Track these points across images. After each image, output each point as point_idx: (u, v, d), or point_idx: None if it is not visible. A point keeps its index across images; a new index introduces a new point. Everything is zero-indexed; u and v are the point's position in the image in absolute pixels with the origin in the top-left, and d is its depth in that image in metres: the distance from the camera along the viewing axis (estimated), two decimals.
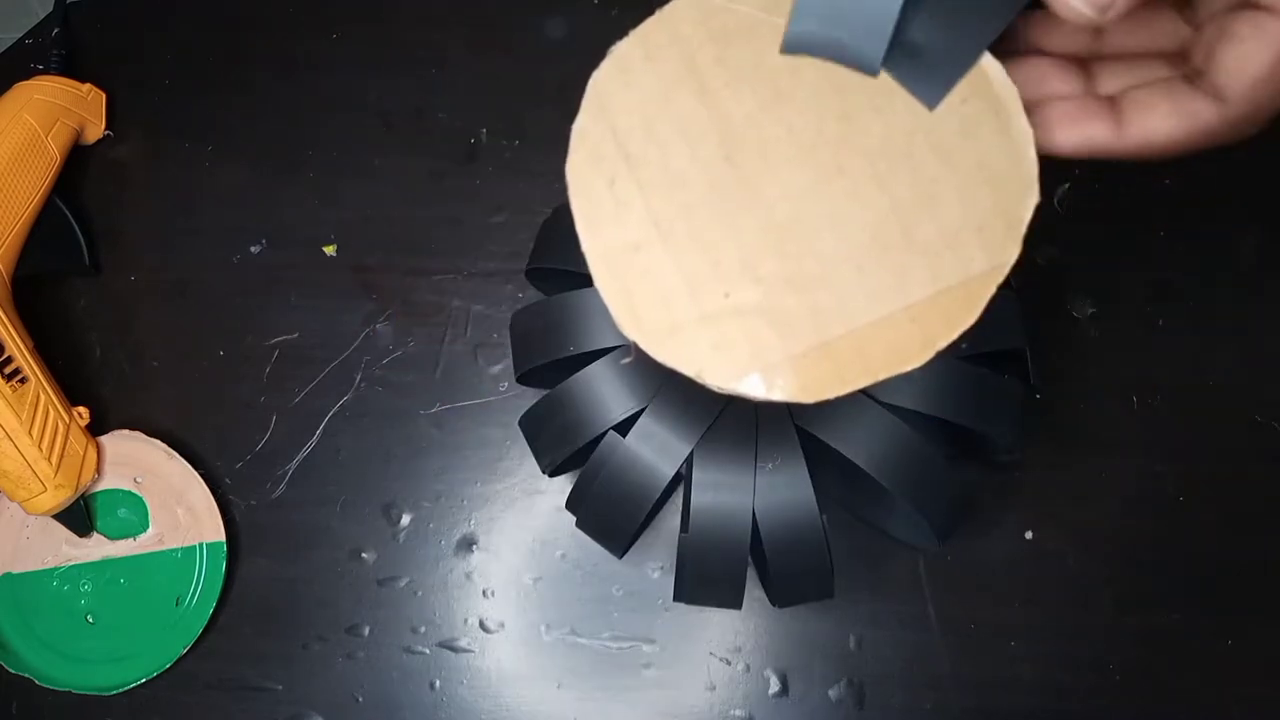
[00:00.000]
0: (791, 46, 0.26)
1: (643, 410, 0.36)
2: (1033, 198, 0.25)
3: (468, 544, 0.45)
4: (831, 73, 0.26)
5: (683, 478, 0.39)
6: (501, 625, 0.45)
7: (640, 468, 0.36)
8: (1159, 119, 0.25)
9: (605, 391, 0.37)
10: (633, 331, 0.26)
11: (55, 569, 0.44)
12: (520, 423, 0.40)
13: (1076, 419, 0.45)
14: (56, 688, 0.43)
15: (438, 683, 0.44)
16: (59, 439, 0.41)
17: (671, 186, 0.26)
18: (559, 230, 0.40)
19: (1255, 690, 0.43)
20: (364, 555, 0.45)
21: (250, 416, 0.46)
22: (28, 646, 0.44)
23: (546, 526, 0.45)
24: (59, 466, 0.41)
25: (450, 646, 0.45)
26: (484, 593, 0.45)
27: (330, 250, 0.47)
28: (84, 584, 0.44)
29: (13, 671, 0.43)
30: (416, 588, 0.45)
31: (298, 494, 0.46)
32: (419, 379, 0.46)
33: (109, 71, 0.49)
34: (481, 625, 0.45)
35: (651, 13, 0.26)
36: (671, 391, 0.36)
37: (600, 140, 0.27)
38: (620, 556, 0.40)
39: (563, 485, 0.45)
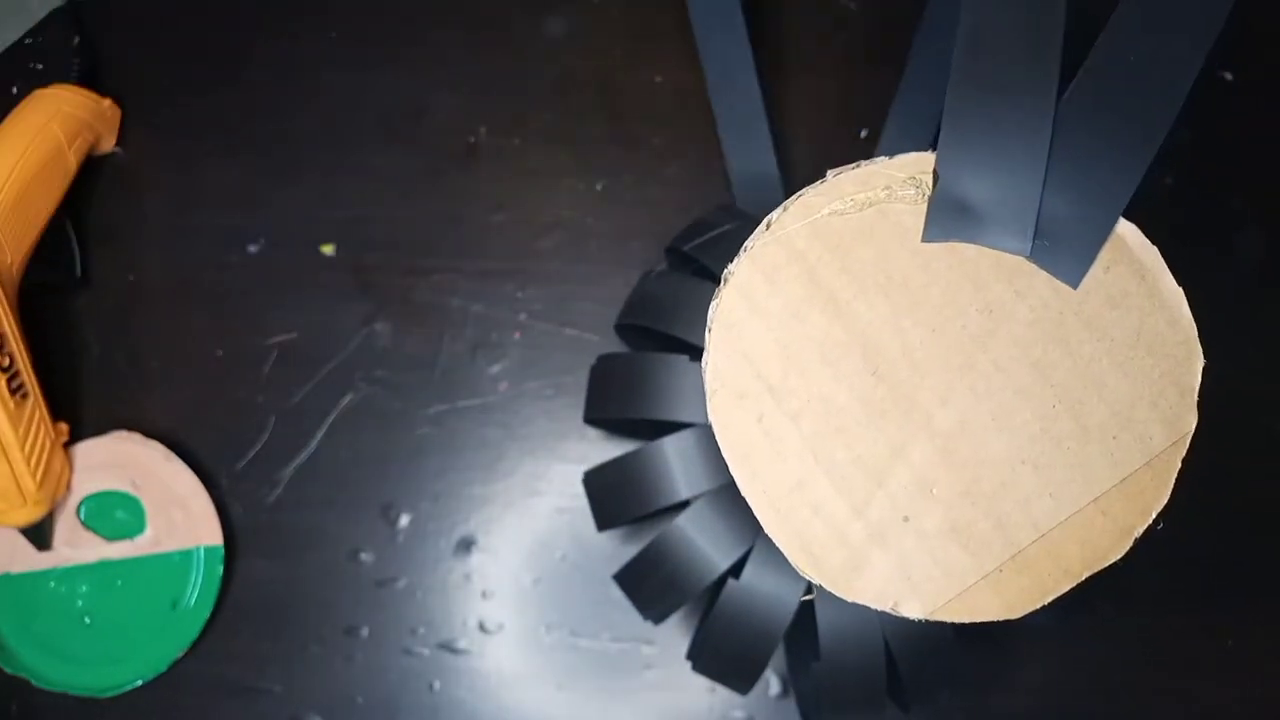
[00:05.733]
0: (932, 239, 0.25)
1: (750, 549, 0.35)
2: (1198, 360, 0.25)
3: (467, 545, 0.45)
4: (962, 264, 0.25)
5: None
6: (501, 626, 0.44)
7: (762, 608, 0.35)
8: None
9: (707, 539, 0.35)
10: (813, 575, 0.25)
11: (52, 570, 0.44)
12: (617, 577, 0.39)
13: None
14: (53, 689, 0.43)
15: (437, 684, 0.44)
16: (45, 455, 0.41)
17: (822, 412, 0.25)
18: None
19: (1255, 690, 0.43)
20: (362, 556, 0.45)
21: (248, 417, 0.46)
22: (25, 647, 0.44)
23: (546, 527, 0.45)
24: (41, 483, 0.41)
25: (449, 648, 0.44)
26: (483, 594, 0.45)
27: (328, 250, 0.47)
28: (81, 585, 0.44)
29: (9, 672, 0.43)
30: (415, 589, 0.45)
31: (296, 495, 0.45)
32: (418, 379, 0.46)
33: (106, 71, 0.48)
34: (481, 626, 0.44)
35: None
36: None
37: (738, 376, 0.25)
38: (745, 693, 0.40)
39: (562, 485, 0.45)
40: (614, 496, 0.38)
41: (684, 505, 0.36)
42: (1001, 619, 0.25)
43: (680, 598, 0.36)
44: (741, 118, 0.46)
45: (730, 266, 0.26)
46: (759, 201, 0.45)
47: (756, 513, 0.25)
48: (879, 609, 0.25)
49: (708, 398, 0.25)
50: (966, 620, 0.25)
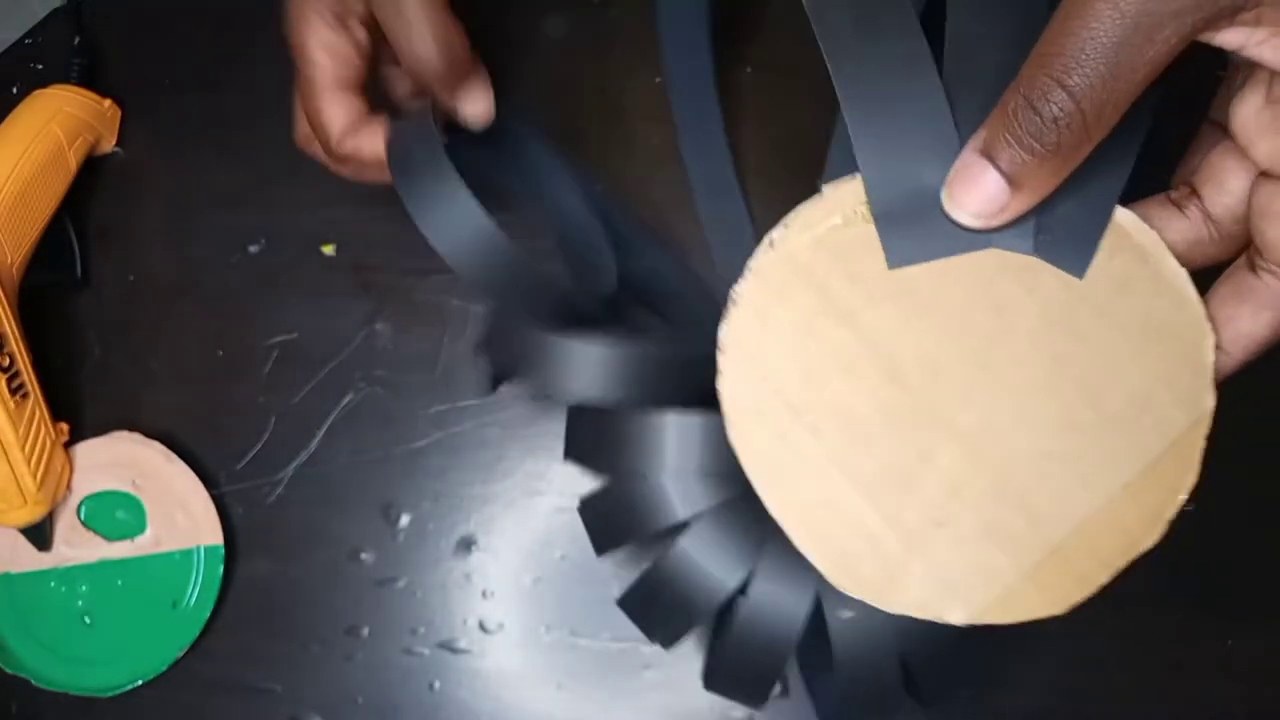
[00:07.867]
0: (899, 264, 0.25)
1: (755, 565, 0.34)
2: (1209, 338, 0.25)
3: (467, 544, 0.45)
4: (968, 264, 0.25)
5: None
6: (501, 626, 0.44)
7: (773, 624, 0.34)
8: (1247, 323, 0.25)
9: (711, 560, 0.34)
10: (853, 590, 0.25)
11: (52, 570, 0.44)
12: (620, 602, 0.38)
13: None
14: (53, 689, 0.43)
15: (437, 684, 0.44)
16: (45, 455, 0.41)
17: (845, 425, 0.25)
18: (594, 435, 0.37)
19: (1255, 690, 0.43)
20: (363, 556, 0.45)
21: (249, 417, 0.46)
22: (24, 647, 0.44)
23: (546, 527, 0.45)
24: (41, 483, 0.41)
25: (449, 647, 0.44)
26: (483, 593, 0.45)
27: (329, 250, 0.47)
28: (81, 585, 0.44)
29: (9, 672, 0.43)
30: (415, 588, 0.45)
31: (296, 495, 0.45)
32: (418, 379, 0.46)
33: (106, 71, 0.48)
34: (481, 626, 0.44)
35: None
36: (778, 542, 0.33)
37: (755, 394, 0.25)
38: (760, 708, 0.39)
39: (562, 485, 0.45)
40: (611, 523, 0.37)
41: (682, 524, 0.35)
42: (1048, 615, 0.25)
43: (689, 621, 0.35)
44: (699, 122, 0.46)
45: (737, 287, 0.25)
46: (722, 213, 0.45)
47: (789, 533, 0.25)
48: (924, 619, 0.25)
49: (726, 423, 0.25)
50: (1012, 621, 0.25)
